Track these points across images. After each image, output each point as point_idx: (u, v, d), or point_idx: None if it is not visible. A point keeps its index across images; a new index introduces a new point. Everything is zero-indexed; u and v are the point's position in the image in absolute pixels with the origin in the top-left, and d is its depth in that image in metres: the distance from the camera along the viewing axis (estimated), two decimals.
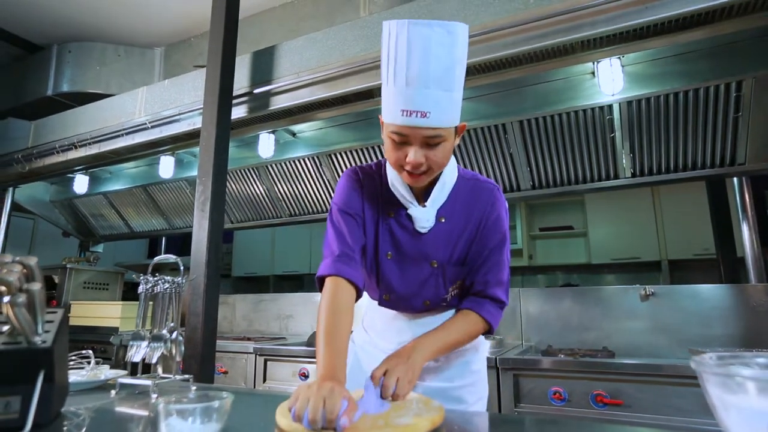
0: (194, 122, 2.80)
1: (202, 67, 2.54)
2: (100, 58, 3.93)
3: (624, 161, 2.36)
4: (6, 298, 0.79)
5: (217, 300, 2.19)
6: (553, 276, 5.26)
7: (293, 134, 3.06)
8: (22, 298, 0.80)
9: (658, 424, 1.78)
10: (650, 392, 1.83)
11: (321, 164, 3.01)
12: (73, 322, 3.42)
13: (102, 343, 3.10)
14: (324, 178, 3.08)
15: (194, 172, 3.33)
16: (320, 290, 1.05)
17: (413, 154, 0.97)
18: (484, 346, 1.27)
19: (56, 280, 3.61)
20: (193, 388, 1.23)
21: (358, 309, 1.10)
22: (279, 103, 2.56)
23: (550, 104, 2.31)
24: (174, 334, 1.26)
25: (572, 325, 2.59)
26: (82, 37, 3.91)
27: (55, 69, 3.91)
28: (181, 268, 1.39)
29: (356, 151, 2.85)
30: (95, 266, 3.98)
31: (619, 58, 2.05)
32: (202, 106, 2.41)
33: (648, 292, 2.44)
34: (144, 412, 1.01)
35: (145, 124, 3.02)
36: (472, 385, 1.17)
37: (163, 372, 1.27)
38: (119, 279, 3.97)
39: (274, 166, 3.16)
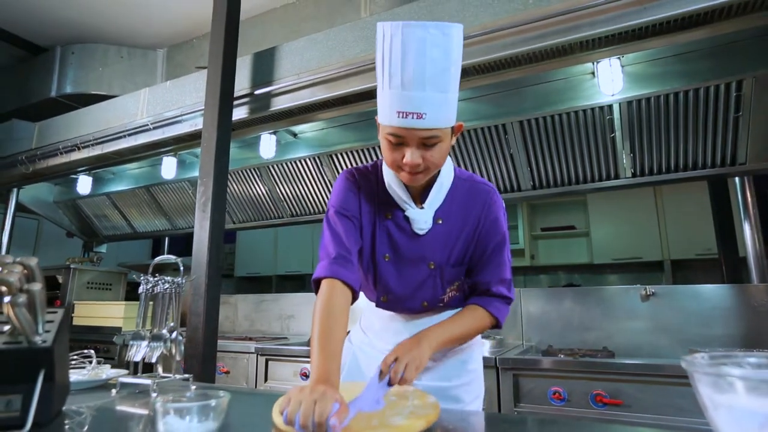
0: (196, 123, 2.81)
1: (204, 68, 2.55)
2: (102, 60, 3.96)
3: (624, 161, 2.36)
4: (7, 298, 0.81)
5: (219, 300, 2.20)
6: (555, 276, 5.25)
7: (294, 135, 3.07)
8: (22, 299, 0.81)
9: (658, 424, 1.78)
10: (650, 392, 1.83)
11: (322, 164, 3.02)
12: (76, 321, 3.45)
13: (105, 343, 3.12)
14: (325, 178, 3.08)
15: (196, 173, 3.32)
16: (316, 293, 1.04)
17: (410, 155, 0.98)
18: (480, 346, 1.28)
19: (60, 280, 3.63)
20: (193, 387, 1.24)
21: (357, 310, 1.10)
22: (280, 104, 2.57)
23: (550, 104, 2.31)
24: (174, 334, 1.28)
25: (573, 325, 2.59)
26: (85, 38, 3.93)
27: (59, 70, 3.94)
28: (181, 268, 1.41)
29: (357, 151, 2.86)
30: (99, 266, 4.00)
31: (618, 58, 2.05)
32: (203, 107, 2.43)
33: (649, 293, 2.44)
34: (144, 411, 1.02)
35: (148, 125, 3.04)
36: (468, 384, 1.18)
37: (164, 371, 1.28)
38: (122, 279, 3.99)
39: (275, 166, 3.17)
